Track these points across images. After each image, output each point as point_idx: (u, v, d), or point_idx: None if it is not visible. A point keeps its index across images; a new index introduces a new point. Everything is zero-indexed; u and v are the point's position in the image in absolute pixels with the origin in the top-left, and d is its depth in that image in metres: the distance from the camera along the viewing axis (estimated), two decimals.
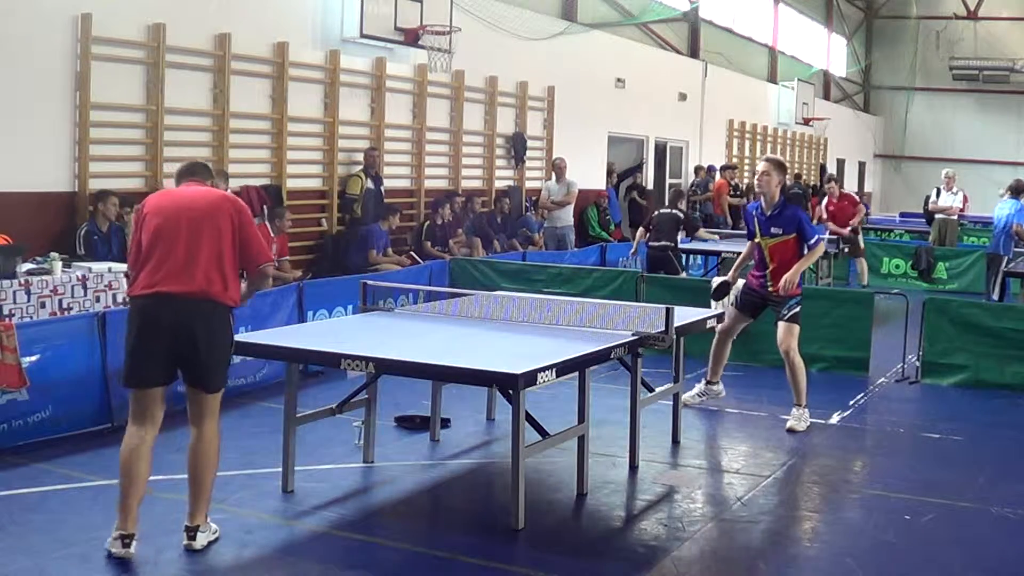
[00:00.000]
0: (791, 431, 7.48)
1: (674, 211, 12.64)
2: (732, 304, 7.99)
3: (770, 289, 7.57)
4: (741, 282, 8.04)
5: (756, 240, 7.65)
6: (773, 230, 7.50)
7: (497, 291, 8.61)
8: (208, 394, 4.94)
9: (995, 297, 12.27)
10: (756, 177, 7.75)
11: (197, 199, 4.97)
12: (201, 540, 4.88)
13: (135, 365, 4.86)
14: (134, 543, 4.75)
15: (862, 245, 15.76)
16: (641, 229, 12.86)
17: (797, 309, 7.59)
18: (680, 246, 12.83)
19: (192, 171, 5.25)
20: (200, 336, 4.81)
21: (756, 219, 7.61)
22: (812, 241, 7.49)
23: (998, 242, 13.50)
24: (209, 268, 4.83)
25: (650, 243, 12.50)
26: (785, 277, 7.40)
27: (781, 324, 7.58)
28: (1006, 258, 13.07)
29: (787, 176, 8.41)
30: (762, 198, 7.62)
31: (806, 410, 7.65)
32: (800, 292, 7.64)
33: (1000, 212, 13.60)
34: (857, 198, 15.92)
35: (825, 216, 15.56)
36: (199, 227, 4.86)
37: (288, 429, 5.83)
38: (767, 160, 7.68)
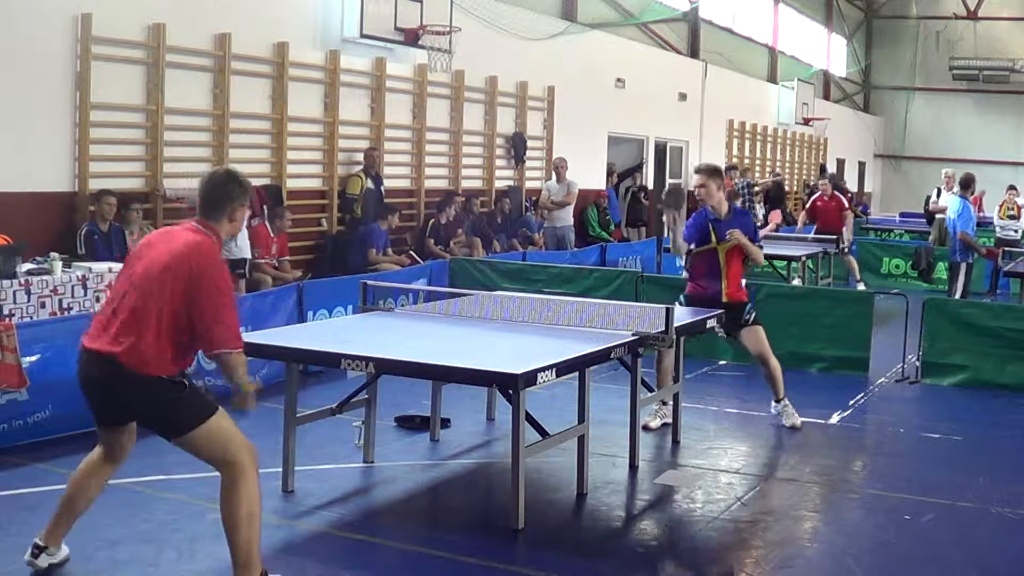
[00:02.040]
0: (793, 428, 7.54)
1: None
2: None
3: (724, 299, 7.39)
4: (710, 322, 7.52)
5: (710, 246, 7.41)
6: (728, 237, 7.37)
7: (497, 291, 8.61)
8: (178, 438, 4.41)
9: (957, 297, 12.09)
10: (696, 191, 7.50)
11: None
12: None
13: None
14: (44, 555, 4.62)
15: (845, 248, 15.60)
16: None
17: (755, 313, 7.57)
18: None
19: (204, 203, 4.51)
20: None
21: (711, 224, 7.40)
22: (758, 243, 7.59)
23: (954, 249, 12.60)
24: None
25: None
26: (739, 232, 7.27)
27: (745, 331, 7.48)
28: (964, 264, 12.41)
29: (745, 179, 8.25)
30: (709, 207, 7.44)
31: (787, 401, 7.64)
32: (747, 298, 7.58)
33: (948, 212, 13.02)
34: (846, 203, 15.78)
35: (807, 211, 15.56)
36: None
37: (288, 429, 5.83)
38: (697, 172, 7.54)
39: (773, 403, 7.72)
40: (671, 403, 7.37)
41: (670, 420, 7.33)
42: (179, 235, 4.43)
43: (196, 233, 4.41)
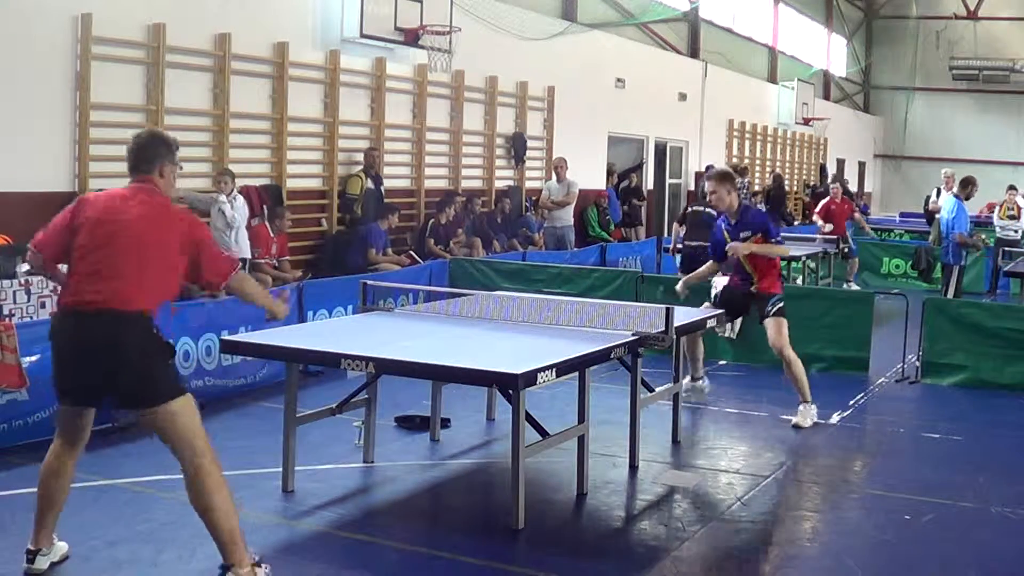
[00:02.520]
0: (796, 427, 7.55)
1: (708, 209, 12.38)
2: (709, 302, 8.08)
3: (753, 290, 7.75)
4: (719, 282, 8.13)
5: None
6: (743, 235, 7.65)
7: (497, 291, 8.61)
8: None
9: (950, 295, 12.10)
10: (708, 197, 7.91)
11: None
12: None
13: None
14: (39, 557, 4.65)
15: (846, 249, 15.65)
16: (676, 224, 12.37)
17: (781, 304, 7.74)
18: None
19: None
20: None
21: (725, 231, 7.78)
22: (776, 239, 7.76)
23: (947, 251, 12.57)
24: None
25: (685, 242, 12.28)
26: (741, 245, 7.57)
27: (768, 321, 7.71)
28: (957, 267, 12.42)
29: (744, 178, 8.63)
30: (725, 212, 7.80)
31: (813, 406, 7.71)
32: (780, 291, 7.82)
33: (942, 212, 13.03)
34: (855, 205, 15.94)
35: (819, 212, 15.58)
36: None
37: (288, 429, 5.83)
38: (709, 178, 7.88)
39: (800, 405, 7.75)
40: (703, 380, 8.46)
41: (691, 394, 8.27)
42: (140, 194, 4.72)
43: (155, 195, 4.73)
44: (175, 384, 4.50)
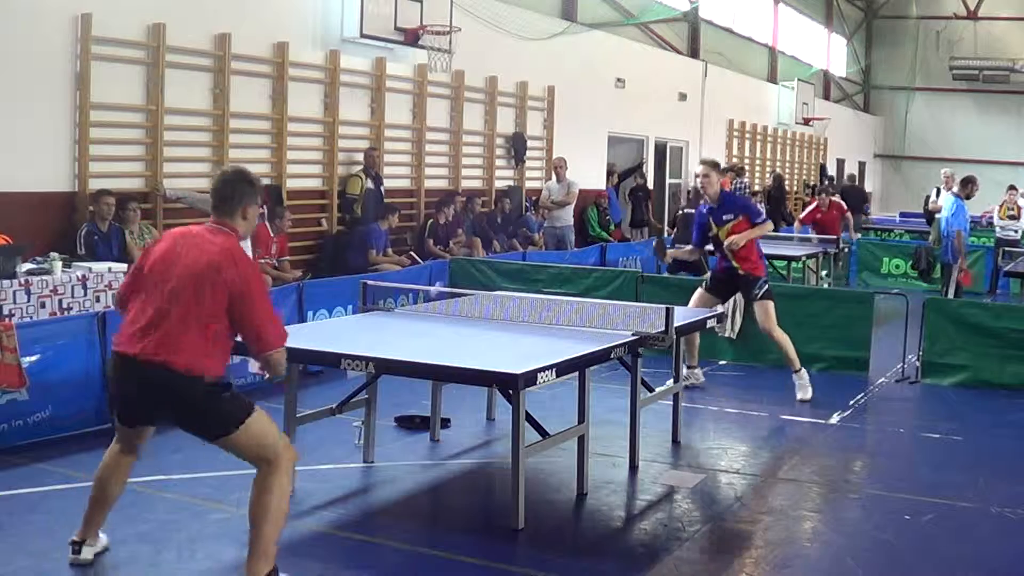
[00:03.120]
0: (803, 402, 8.15)
1: (743, 182, 12.52)
2: (702, 287, 8.65)
3: (740, 273, 8.31)
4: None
5: (712, 234, 8.35)
6: (725, 217, 8.26)
7: (497, 291, 8.61)
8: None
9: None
10: (699, 180, 8.44)
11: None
12: None
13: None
14: (84, 547, 4.70)
15: (846, 249, 15.66)
16: (667, 228, 12.66)
17: (766, 287, 8.34)
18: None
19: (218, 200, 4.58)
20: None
21: (709, 216, 8.34)
22: (760, 220, 8.33)
23: (946, 250, 12.64)
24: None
25: (677, 244, 12.36)
26: (732, 238, 8.12)
27: (756, 305, 8.30)
28: (955, 265, 12.45)
29: (743, 179, 9.22)
30: (707, 198, 8.37)
31: (804, 371, 8.33)
32: (764, 273, 8.43)
33: (943, 211, 13.02)
34: (844, 205, 15.89)
35: (804, 219, 15.56)
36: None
37: (288, 429, 5.83)
38: (703, 163, 8.52)
39: (792, 373, 8.38)
40: (697, 369, 8.70)
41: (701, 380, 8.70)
42: (206, 240, 4.46)
43: (220, 235, 4.47)
44: (239, 412, 4.42)
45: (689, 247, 8.83)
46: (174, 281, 4.37)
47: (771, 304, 8.28)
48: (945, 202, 12.97)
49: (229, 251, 4.41)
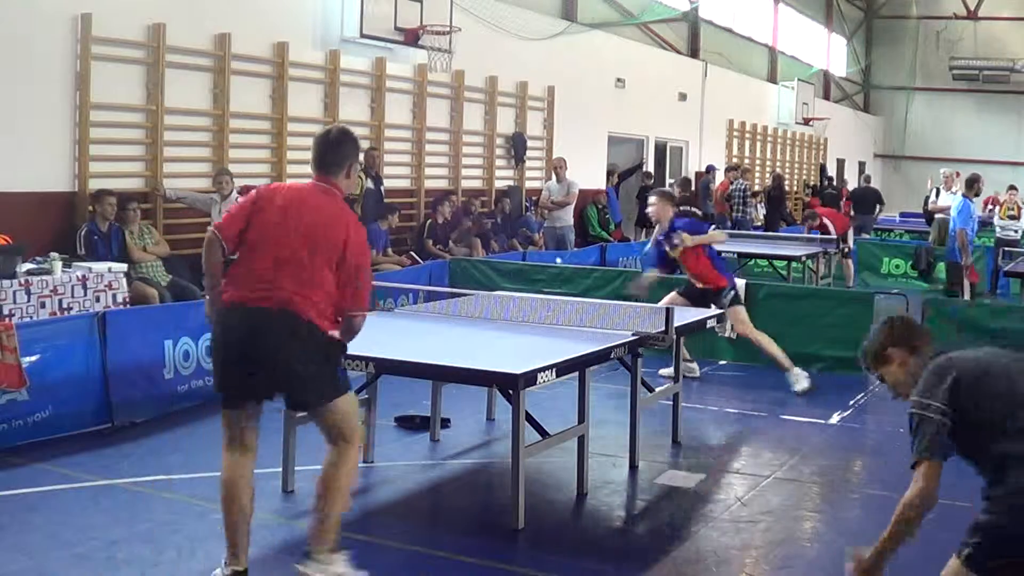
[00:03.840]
0: (802, 393, 8.45)
1: (693, 208, 12.59)
2: (677, 290, 8.92)
3: (703, 288, 8.68)
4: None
5: (671, 256, 8.80)
6: (675, 241, 8.69)
7: (497, 291, 8.61)
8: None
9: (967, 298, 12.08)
10: (651, 210, 8.99)
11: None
12: (310, 568, 4.39)
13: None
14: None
15: (846, 249, 15.64)
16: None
17: (732, 294, 8.72)
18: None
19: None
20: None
21: (662, 240, 8.87)
22: (705, 230, 8.87)
23: (953, 249, 12.60)
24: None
25: None
26: (681, 235, 8.53)
27: (728, 313, 8.54)
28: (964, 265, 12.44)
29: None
30: (659, 226, 8.89)
31: (797, 369, 8.64)
32: (727, 283, 8.75)
33: (952, 212, 12.96)
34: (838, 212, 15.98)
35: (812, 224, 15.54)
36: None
37: (288, 429, 5.83)
38: (655, 193, 9.14)
39: (786, 374, 8.67)
40: (693, 362, 8.99)
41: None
42: (319, 197, 4.48)
43: (329, 195, 4.49)
44: (346, 378, 4.53)
45: (649, 273, 9.36)
46: (300, 237, 4.34)
47: (742, 309, 8.73)
48: (954, 203, 12.93)
49: (346, 211, 4.52)
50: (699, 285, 8.68)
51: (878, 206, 20.51)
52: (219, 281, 4.50)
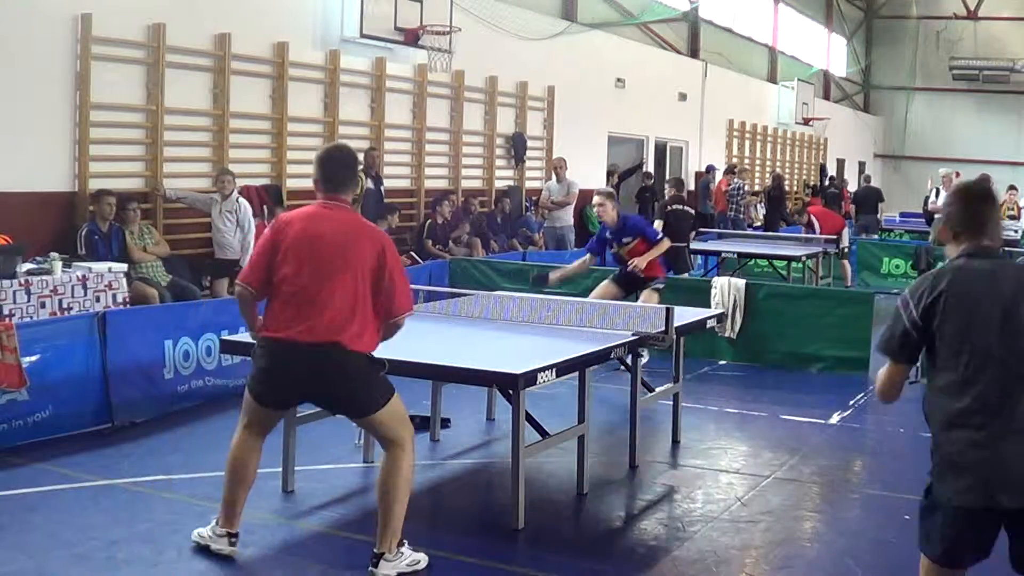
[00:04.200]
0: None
1: (685, 208, 12.51)
2: (610, 279, 9.36)
3: (629, 268, 9.06)
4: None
5: (613, 251, 9.21)
6: (624, 240, 9.03)
7: (497, 291, 8.61)
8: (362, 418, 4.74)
9: None
10: (595, 210, 9.21)
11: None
12: (384, 568, 4.63)
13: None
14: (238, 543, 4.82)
15: (846, 249, 15.61)
16: (659, 222, 12.52)
17: (661, 286, 9.13)
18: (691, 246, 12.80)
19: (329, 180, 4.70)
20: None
21: (610, 237, 9.13)
22: (657, 238, 9.14)
23: None
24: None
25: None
26: (634, 261, 8.94)
27: (645, 292, 9.06)
28: None
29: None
30: (607, 223, 9.07)
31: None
32: (663, 274, 9.30)
33: None
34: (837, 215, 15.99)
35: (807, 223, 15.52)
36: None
37: (288, 429, 5.83)
38: (598, 194, 9.23)
39: None
40: None
41: None
42: (335, 217, 4.60)
43: (345, 211, 4.65)
44: (388, 389, 4.65)
45: (579, 260, 9.51)
46: (324, 261, 4.48)
47: (657, 297, 8.98)
48: None
49: (367, 225, 4.69)
50: (640, 275, 9.01)
51: (880, 205, 20.53)
52: (257, 324, 4.69)
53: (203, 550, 4.85)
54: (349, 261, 4.48)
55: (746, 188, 19.15)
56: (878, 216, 20.43)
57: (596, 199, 9.17)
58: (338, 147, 4.84)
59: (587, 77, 17.59)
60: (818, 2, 31.01)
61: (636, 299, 9.16)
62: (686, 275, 12.26)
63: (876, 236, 19.13)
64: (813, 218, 15.39)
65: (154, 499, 5.61)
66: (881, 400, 3.62)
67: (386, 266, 4.52)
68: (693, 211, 12.57)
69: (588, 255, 9.43)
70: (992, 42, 33.30)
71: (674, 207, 12.42)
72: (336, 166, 4.68)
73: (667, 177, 21.17)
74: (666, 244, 9.28)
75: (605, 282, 9.31)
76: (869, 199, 20.45)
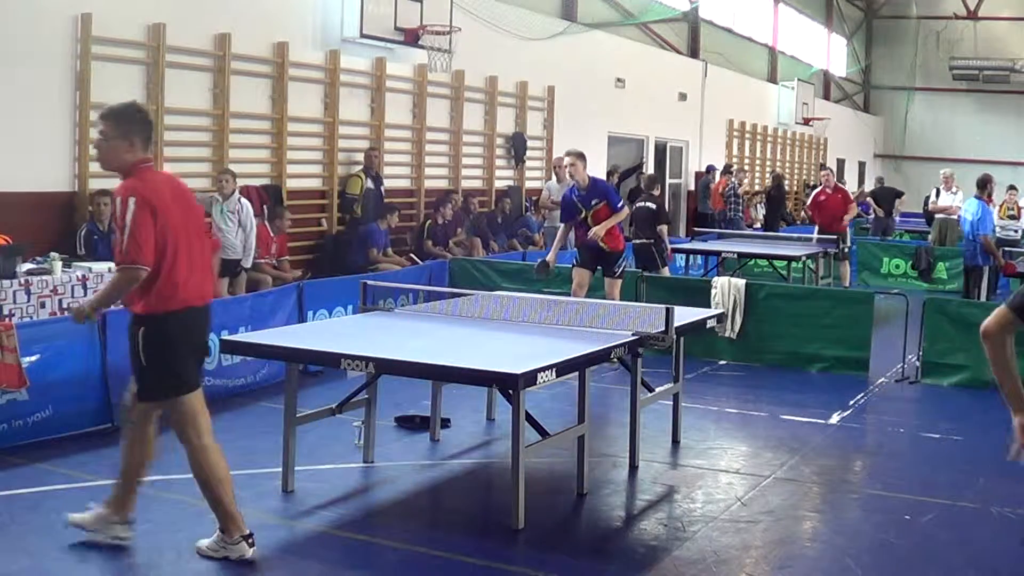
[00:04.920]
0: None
1: (648, 204, 12.34)
2: (574, 263, 9.66)
3: (606, 250, 9.34)
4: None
5: (580, 216, 9.38)
6: (593, 202, 9.34)
7: (497, 291, 8.61)
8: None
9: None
10: (567, 169, 9.49)
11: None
12: (203, 543, 4.82)
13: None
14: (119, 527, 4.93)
15: (846, 249, 15.53)
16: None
17: (624, 265, 9.59)
18: (674, 244, 12.71)
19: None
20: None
21: (577, 199, 9.40)
22: (619, 206, 9.47)
23: (974, 252, 12.53)
24: None
25: (632, 240, 12.27)
26: (594, 229, 9.20)
27: (608, 280, 9.42)
28: (986, 268, 12.42)
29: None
30: (576, 184, 9.39)
31: None
32: (623, 248, 9.61)
33: (964, 214, 12.95)
34: (851, 195, 15.79)
35: (808, 205, 15.42)
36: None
37: (288, 429, 5.83)
38: (568, 154, 9.46)
39: None
40: None
41: None
42: (171, 178, 5.00)
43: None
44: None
45: (561, 228, 9.81)
46: (191, 225, 4.75)
47: (620, 284, 9.44)
48: (968, 206, 12.86)
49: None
50: (602, 246, 9.31)
51: (896, 202, 20.53)
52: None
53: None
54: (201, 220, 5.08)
55: (737, 188, 19.06)
56: (893, 216, 20.37)
57: (567, 159, 9.39)
58: (141, 105, 4.94)
59: (587, 77, 17.60)
60: (818, 2, 31.00)
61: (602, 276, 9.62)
62: (666, 272, 12.16)
63: (891, 238, 19.08)
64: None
65: (154, 499, 5.61)
66: (981, 334, 3.80)
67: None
68: (655, 207, 12.29)
69: (563, 225, 9.80)
70: (992, 42, 33.29)
71: (637, 204, 12.36)
72: (150, 125, 4.81)
73: (667, 177, 21.23)
74: (626, 212, 9.71)
75: (574, 271, 9.62)
76: (887, 199, 20.38)
